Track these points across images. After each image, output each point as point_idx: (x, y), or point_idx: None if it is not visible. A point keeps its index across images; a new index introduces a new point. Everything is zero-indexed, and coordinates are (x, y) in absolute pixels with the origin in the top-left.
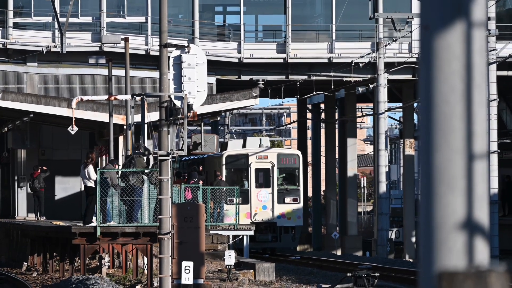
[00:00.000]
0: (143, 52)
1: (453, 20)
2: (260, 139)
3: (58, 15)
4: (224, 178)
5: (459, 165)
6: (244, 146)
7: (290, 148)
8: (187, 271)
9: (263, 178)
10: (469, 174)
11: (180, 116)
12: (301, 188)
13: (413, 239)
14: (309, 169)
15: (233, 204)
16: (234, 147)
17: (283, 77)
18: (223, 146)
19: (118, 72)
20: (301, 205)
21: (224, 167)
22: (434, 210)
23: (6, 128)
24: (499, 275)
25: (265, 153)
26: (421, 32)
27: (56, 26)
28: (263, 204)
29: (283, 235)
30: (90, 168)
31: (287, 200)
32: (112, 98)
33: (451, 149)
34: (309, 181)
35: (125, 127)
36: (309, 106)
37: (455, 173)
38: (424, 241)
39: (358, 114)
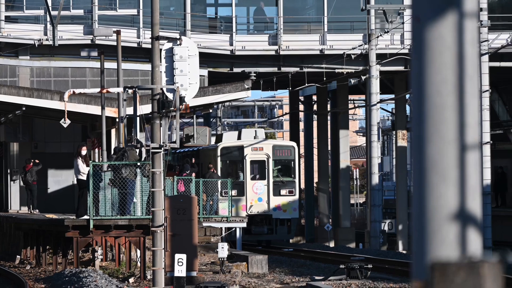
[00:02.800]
0: (135, 45)
1: (445, 11)
2: (255, 131)
3: (50, 8)
4: (219, 170)
5: (451, 156)
6: (239, 138)
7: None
8: (180, 263)
9: (259, 170)
10: (461, 165)
11: (172, 108)
12: (296, 180)
13: (406, 231)
14: (302, 161)
15: (231, 196)
16: (229, 139)
17: (275, 69)
18: (218, 138)
19: (110, 65)
20: (296, 197)
21: (219, 159)
22: (426, 201)
23: None
24: (491, 266)
25: (260, 145)
26: (413, 23)
27: (48, 19)
28: (259, 196)
29: (278, 227)
30: (79, 161)
31: (283, 192)
32: (104, 91)
33: (443, 140)
34: (302, 173)
35: (117, 119)
36: (301, 98)
37: (448, 164)
38: (417, 232)
39: (350, 105)
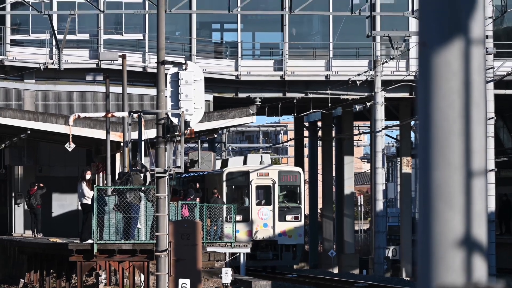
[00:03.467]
0: (141, 69)
1: (452, 37)
2: (261, 156)
3: (56, 32)
4: (224, 196)
5: (457, 182)
6: (245, 163)
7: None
8: None
9: (264, 196)
10: (467, 191)
11: (177, 133)
12: (302, 206)
13: (410, 257)
14: (306, 187)
15: (235, 222)
16: (235, 164)
17: (280, 95)
18: (224, 163)
19: (115, 89)
20: (302, 222)
21: (224, 184)
22: (432, 227)
23: (3, 145)
24: None
25: (266, 170)
26: (420, 49)
27: (54, 43)
28: (264, 222)
29: (284, 253)
30: (83, 185)
31: (288, 217)
32: (109, 115)
33: (449, 165)
34: (306, 199)
35: (122, 144)
36: (306, 124)
37: (454, 190)
38: (422, 258)
39: (355, 132)
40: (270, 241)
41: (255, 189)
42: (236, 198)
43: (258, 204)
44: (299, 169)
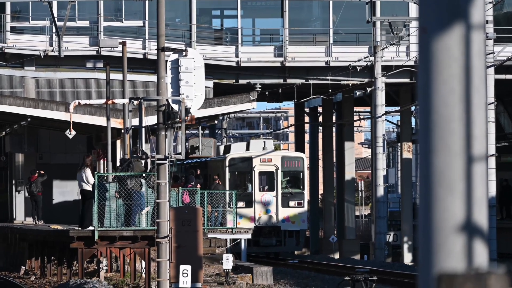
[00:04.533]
0: (141, 56)
1: (452, 23)
2: (264, 142)
3: (56, 19)
4: (227, 182)
5: (458, 168)
6: (247, 149)
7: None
8: (185, 274)
9: (267, 181)
10: (468, 176)
11: (178, 120)
12: (305, 192)
13: (411, 242)
14: (307, 172)
15: (236, 208)
16: (238, 150)
17: (280, 81)
18: (226, 149)
19: (115, 76)
20: (305, 208)
21: (227, 170)
22: (433, 213)
23: (3, 132)
24: (498, 277)
25: (269, 156)
26: (420, 35)
27: (54, 30)
28: (267, 208)
29: (287, 239)
30: (88, 171)
31: (291, 203)
32: (110, 102)
33: (450, 151)
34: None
35: (122, 131)
36: (307, 110)
37: (454, 175)
38: (423, 244)
39: (356, 117)
40: (273, 227)
41: (258, 175)
42: (239, 184)
43: (261, 190)
44: (302, 155)
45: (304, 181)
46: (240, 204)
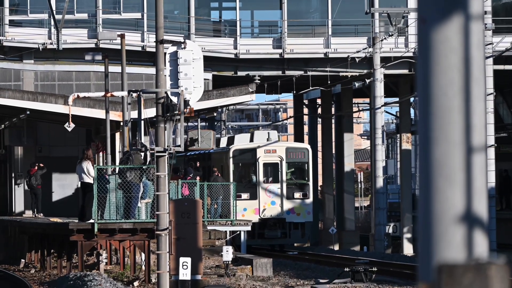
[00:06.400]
0: (139, 49)
1: (451, 13)
2: (268, 133)
3: (54, 12)
4: (231, 173)
5: (457, 158)
6: (251, 140)
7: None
8: (184, 267)
9: (272, 173)
10: (467, 167)
11: (177, 112)
12: (310, 183)
13: (411, 233)
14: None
15: (240, 199)
16: (241, 141)
17: (279, 73)
18: (230, 140)
19: (114, 68)
20: (311, 200)
21: (231, 161)
22: (433, 204)
23: (2, 125)
24: (499, 268)
25: (273, 147)
26: (419, 26)
27: (52, 23)
28: (272, 200)
29: (292, 231)
30: (89, 164)
31: (296, 195)
32: (109, 94)
33: (449, 142)
34: None
35: (121, 123)
36: (306, 102)
37: (454, 166)
38: (423, 234)
39: (355, 109)
40: (278, 219)
41: (262, 167)
42: (243, 176)
43: (266, 181)
44: (307, 146)
45: (309, 173)
46: (245, 196)
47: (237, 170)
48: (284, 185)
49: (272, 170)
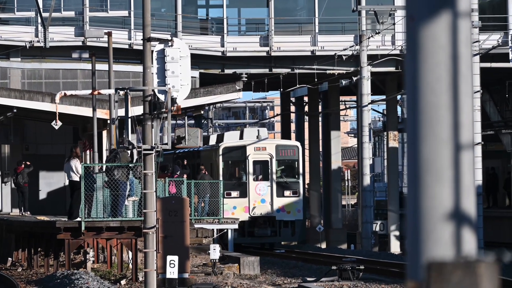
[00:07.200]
0: (126, 46)
1: (439, 10)
2: (258, 130)
3: (41, 9)
4: (220, 171)
5: (446, 156)
6: (241, 137)
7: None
8: (172, 265)
9: (261, 171)
10: (456, 164)
11: (164, 110)
12: (300, 181)
13: (397, 232)
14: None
15: (230, 198)
16: (231, 138)
17: (266, 70)
18: (219, 137)
19: (101, 66)
20: (301, 198)
21: (220, 159)
22: (421, 201)
23: None
24: (488, 266)
25: (263, 144)
26: (407, 23)
27: (39, 21)
28: (262, 198)
29: (282, 229)
30: (78, 162)
31: (287, 193)
32: (96, 92)
33: (437, 139)
34: None
35: (108, 121)
36: (293, 99)
37: (442, 163)
38: (411, 232)
39: (342, 107)
40: (268, 217)
41: (252, 164)
42: (233, 174)
43: (256, 179)
44: (297, 143)
45: (299, 170)
46: (234, 194)
47: (226, 168)
48: (274, 183)
49: (262, 168)
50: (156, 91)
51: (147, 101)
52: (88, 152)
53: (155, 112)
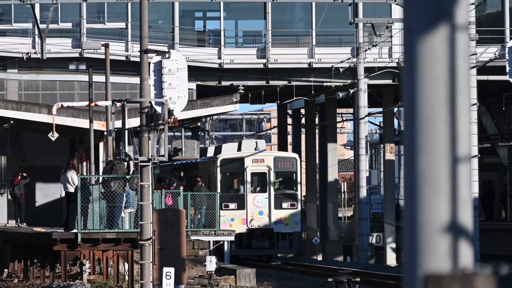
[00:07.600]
0: (124, 58)
1: (437, 24)
2: (256, 142)
3: (38, 21)
4: (218, 183)
5: (443, 169)
6: (239, 149)
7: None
8: (168, 277)
9: (259, 183)
10: (453, 177)
11: (161, 122)
12: (298, 193)
13: (394, 244)
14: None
15: (227, 209)
16: (229, 150)
17: (263, 83)
18: (217, 149)
19: (98, 78)
20: (299, 209)
21: (218, 170)
22: (418, 213)
23: None
24: (485, 278)
25: (261, 156)
26: (405, 36)
27: (36, 32)
28: (260, 210)
29: (280, 241)
30: (74, 174)
31: (285, 205)
32: (93, 104)
33: (435, 152)
34: None
35: (105, 133)
36: (290, 112)
37: (439, 176)
38: (408, 244)
39: (339, 119)
40: (266, 229)
41: (250, 176)
42: (231, 185)
43: (254, 191)
44: (295, 155)
45: (297, 182)
46: (232, 205)
47: (224, 180)
48: (272, 195)
49: (260, 180)
50: (153, 103)
51: (144, 113)
52: (84, 163)
53: (152, 124)
